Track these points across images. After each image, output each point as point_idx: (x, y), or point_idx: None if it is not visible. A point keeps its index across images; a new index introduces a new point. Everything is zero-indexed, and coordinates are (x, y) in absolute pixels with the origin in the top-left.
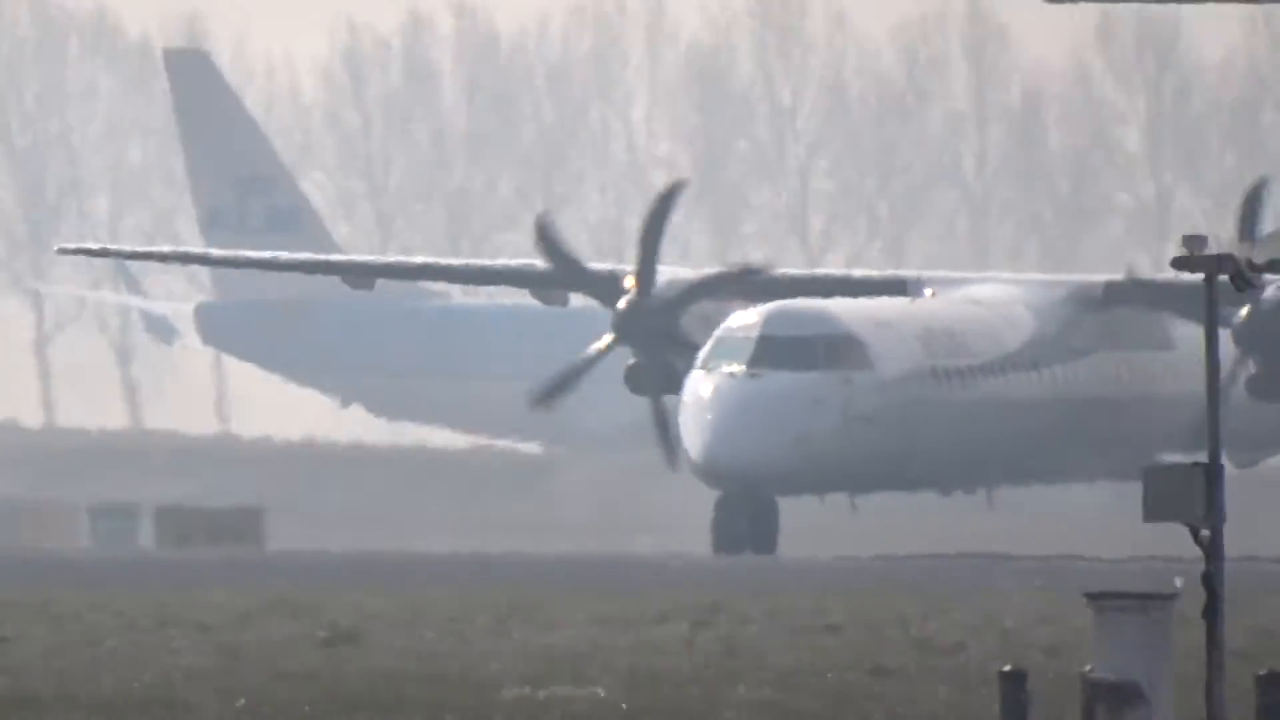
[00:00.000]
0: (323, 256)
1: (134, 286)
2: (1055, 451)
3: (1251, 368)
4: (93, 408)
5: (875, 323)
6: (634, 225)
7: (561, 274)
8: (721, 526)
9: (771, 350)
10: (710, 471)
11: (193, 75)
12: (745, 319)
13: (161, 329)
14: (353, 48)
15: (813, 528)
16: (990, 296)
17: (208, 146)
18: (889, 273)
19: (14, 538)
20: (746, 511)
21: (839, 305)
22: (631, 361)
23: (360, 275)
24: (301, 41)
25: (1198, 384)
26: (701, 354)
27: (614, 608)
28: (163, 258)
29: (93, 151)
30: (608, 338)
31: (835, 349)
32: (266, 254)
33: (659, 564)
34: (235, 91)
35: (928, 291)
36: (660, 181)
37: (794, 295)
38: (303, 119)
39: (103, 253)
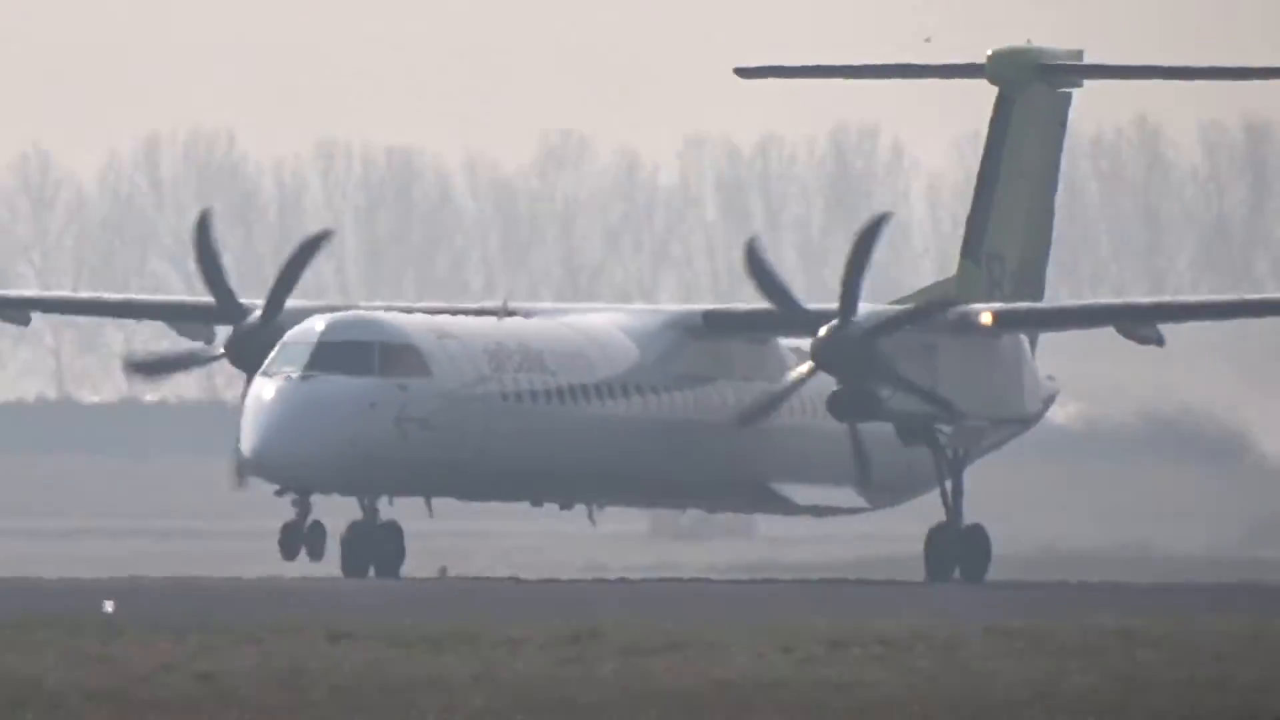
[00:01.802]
0: None
1: None
2: (655, 473)
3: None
4: None
5: (440, 334)
6: None
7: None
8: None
9: (328, 355)
10: (258, 469)
11: None
12: (308, 326)
13: None
14: None
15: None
16: (586, 323)
17: None
18: (486, 304)
19: None
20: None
21: (405, 317)
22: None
23: None
24: None
25: (815, 416)
26: (267, 360)
27: None
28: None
29: None
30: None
31: (393, 356)
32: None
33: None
34: None
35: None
36: None
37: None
38: None
39: None
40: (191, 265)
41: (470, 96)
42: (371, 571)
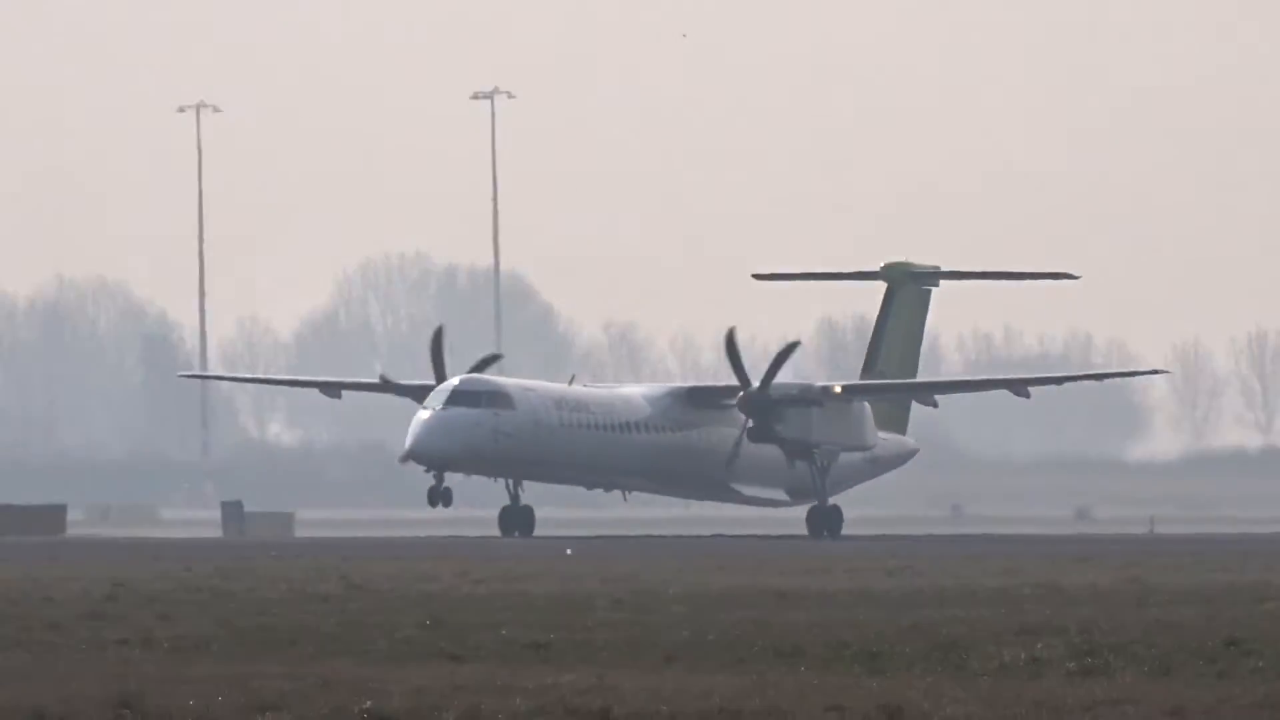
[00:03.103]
0: None
1: None
2: (655, 474)
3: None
4: None
5: (525, 389)
6: None
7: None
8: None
9: (458, 397)
10: (414, 457)
11: None
12: (451, 382)
13: None
14: None
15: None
16: (623, 391)
17: None
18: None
19: None
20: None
21: (504, 379)
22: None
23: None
24: None
25: (755, 447)
26: (427, 399)
27: None
28: None
29: None
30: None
31: (492, 398)
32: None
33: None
34: None
35: (604, 390)
36: None
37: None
38: None
39: None
40: None
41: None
42: (516, 533)
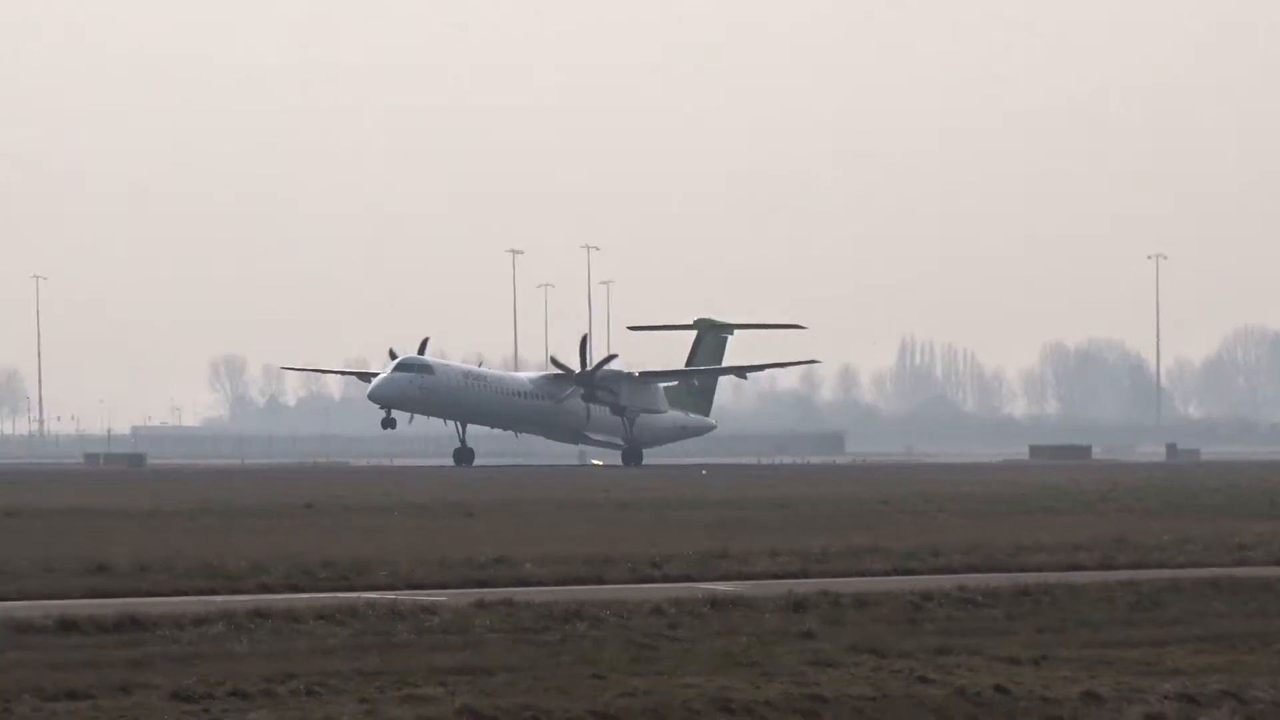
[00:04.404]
0: None
1: None
2: (533, 423)
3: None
4: None
5: (444, 363)
6: None
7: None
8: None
9: (400, 367)
10: (371, 398)
11: None
12: (400, 358)
13: None
14: None
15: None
16: (515, 374)
17: None
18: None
19: None
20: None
21: (432, 358)
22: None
23: None
24: None
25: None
26: (385, 368)
27: None
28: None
29: None
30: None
31: (421, 368)
32: None
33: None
34: None
35: (503, 373)
36: None
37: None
38: None
39: None
40: None
41: None
42: (464, 465)
